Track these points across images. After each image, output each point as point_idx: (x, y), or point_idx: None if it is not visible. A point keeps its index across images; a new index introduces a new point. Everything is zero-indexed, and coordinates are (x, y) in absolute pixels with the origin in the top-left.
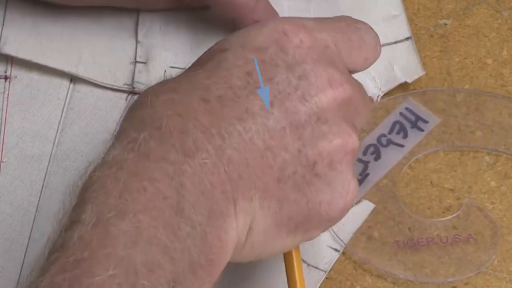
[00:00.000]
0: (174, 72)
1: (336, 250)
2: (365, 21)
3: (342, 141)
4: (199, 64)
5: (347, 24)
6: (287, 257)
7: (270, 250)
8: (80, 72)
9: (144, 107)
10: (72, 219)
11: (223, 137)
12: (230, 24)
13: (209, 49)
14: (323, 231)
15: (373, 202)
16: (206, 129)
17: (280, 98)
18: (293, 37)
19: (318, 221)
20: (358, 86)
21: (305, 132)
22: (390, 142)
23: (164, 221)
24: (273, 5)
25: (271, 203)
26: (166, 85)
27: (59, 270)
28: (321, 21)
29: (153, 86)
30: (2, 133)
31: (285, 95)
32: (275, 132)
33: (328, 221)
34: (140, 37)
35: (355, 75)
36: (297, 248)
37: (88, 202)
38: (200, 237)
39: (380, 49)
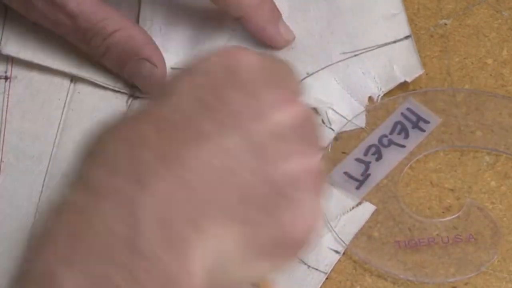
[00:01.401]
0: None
1: (337, 251)
2: (365, 21)
3: (305, 160)
4: (150, 99)
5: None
6: None
7: (239, 277)
8: (81, 73)
9: (95, 142)
10: (23, 271)
11: (178, 160)
12: (235, 23)
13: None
14: (291, 259)
15: (373, 202)
16: (159, 155)
17: (233, 117)
18: (242, 58)
19: (283, 245)
20: (310, 109)
21: (263, 151)
22: (391, 143)
23: (116, 262)
24: None
25: (237, 225)
26: (117, 120)
27: None
28: (263, 52)
29: (104, 122)
30: (2, 133)
31: (238, 114)
32: (232, 152)
33: (294, 244)
34: None
35: (352, 73)
36: (266, 282)
37: (37, 254)
38: (161, 270)
39: None
